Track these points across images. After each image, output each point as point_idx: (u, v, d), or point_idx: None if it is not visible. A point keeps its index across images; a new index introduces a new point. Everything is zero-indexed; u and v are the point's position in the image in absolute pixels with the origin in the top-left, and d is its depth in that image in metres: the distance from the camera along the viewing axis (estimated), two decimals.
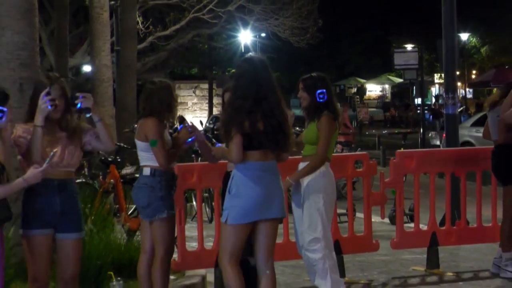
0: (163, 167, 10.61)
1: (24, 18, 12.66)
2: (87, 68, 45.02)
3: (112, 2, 29.97)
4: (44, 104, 8.97)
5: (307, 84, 11.33)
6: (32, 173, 8.75)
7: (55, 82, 9.33)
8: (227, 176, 10.77)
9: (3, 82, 12.55)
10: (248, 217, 9.62)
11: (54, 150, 8.95)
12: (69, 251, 9.36)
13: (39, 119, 9.11)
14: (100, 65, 28.96)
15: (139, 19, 37.73)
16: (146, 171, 10.77)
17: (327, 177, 11.03)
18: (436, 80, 70.27)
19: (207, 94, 59.83)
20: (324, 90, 11.10)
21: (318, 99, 11.05)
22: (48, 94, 9.05)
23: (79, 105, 9.33)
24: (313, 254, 11.03)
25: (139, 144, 10.87)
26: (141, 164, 10.89)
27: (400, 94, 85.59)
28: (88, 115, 9.44)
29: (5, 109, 8.82)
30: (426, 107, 47.93)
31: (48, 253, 9.33)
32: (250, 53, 10.53)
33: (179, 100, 57.04)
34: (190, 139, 10.58)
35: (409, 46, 51.60)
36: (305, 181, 11.00)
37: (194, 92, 59.42)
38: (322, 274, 11.00)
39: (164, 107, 10.85)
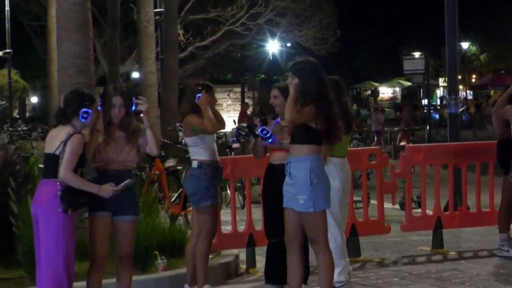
0: (210, 131, 10.72)
1: (80, 31, 12.67)
2: (135, 75, 45.06)
3: (157, 17, 29.91)
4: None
5: None
6: (107, 189, 8.97)
7: (118, 92, 9.38)
8: (270, 168, 10.82)
9: (62, 87, 12.64)
10: (329, 202, 9.62)
11: (126, 181, 9.16)
12: (126, 232, 9.43)
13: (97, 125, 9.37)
14: (147, 72, 29.05)
15: (180, 32, 37.74)
16: (194, 164, 10.83)
17: (344, 169, 10.96)
18: (441, 84, 69.89)
19: (240, 97, 59.76)
20: None
21: None
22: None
23: (133, 108, 9.45)
24: None
25: (187, 140, 11.09)
26: (191, 157, 10.97)
27: (409, 96, 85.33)
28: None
29: (90, 111, 9.07)
30: (431, 107, 47.57)
31: (107, 233, 9.39)
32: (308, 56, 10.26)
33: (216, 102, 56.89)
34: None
35: (416, 54, 51.29)
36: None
37: (228, 95, 59.27)
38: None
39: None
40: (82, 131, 9.04)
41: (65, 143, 8.86)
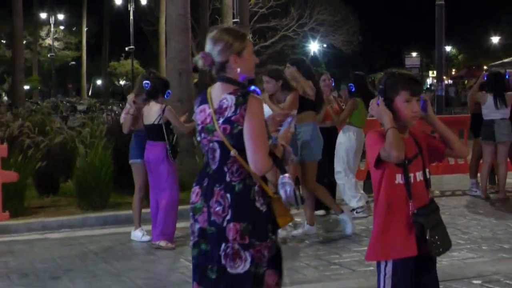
0: None
1: (182, 33, 12.77)
2: None
3: (234, 25, 29.92)
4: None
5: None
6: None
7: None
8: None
9: (170, 72, 12.75)
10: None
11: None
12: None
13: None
14: None
15: (250, 35, 37.58)
16: None
17: (359, 137, 10.60)
18: (430, 75, 69.26)
19: None
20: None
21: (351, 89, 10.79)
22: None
23: None
24: (338, 181, 10.88)
25: None
26: None
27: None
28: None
29: (170, 91, 9.10)
30: (423, 91, 47.15)
31: (145, 174, 9.10)
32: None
33: None
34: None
35: (414, 54, 51.01)
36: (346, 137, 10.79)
37: None
38: (344, 193, 10.86)
39: None
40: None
41: (161, 115, 8.81)
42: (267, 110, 7.51)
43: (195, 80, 26.73)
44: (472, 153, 12.55)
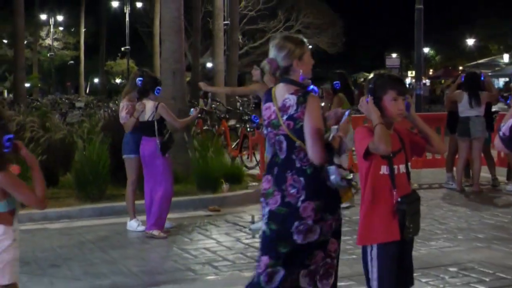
0: None
1: (176, 34, 12.70)
2: (209, 64, 44.93)
3: (225, 27, 29.92)
4: None
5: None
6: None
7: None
8: None
9: (165, 71, 12.68)
10: None
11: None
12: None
13: None
14: (218, 62, 29.08)
15: (240, 37, 37.58)
16: None
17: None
18: (409, 75, 69.34)
19: None
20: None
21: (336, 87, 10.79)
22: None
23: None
24: None
25: None
26: None
27: None
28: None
29: (160, 88, 9.05)
30: None
31: (138, 169, 9.12)
32: None
33: None
34: None
35: (394, 55, 51.08)
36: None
37: None
38: None
39: None
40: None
41: (155, 112, 8.80)
42: None
43: (188, 79, 26.68)
44: (449, 148, 12.61)
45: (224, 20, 30.21)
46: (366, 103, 4.34)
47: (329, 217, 4.56)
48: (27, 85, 42.98)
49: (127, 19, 47.77)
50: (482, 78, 12.45)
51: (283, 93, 4.64)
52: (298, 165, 4.56)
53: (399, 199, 4.24)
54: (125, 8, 50.31)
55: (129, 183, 9.27)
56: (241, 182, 12.12)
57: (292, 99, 4.58)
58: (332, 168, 4.47)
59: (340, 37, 50.67)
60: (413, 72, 45.10)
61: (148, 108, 8.86)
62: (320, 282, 4.67)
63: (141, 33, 51.59)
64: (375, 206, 4.31)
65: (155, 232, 8.82)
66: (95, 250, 8.27)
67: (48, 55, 61.25)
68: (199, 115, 18.47)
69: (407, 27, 24.79)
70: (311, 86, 4.67)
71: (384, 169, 4.28)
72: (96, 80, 70.18)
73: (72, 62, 66.13)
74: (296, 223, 4.50)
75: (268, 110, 4.70)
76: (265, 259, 4.60)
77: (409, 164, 4.43)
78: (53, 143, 11.94)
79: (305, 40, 4.83)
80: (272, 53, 4.72)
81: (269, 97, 4.72)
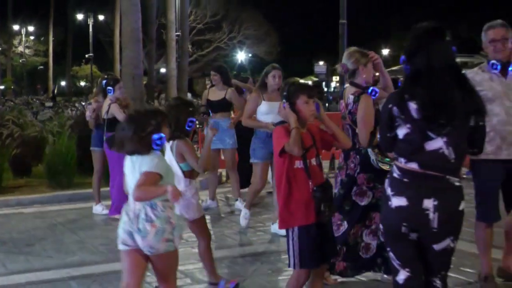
0: None
1: (135, 43, 12.63)
2: (163, 70, 44.65)
3: (177, 37, 29.76)
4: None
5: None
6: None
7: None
8: None
9: (125, 76, 12.56)
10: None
11: None
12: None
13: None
14: (170, 68, 28.95)
15: (190, 46, 37.44)
16: None
17: None
18: (334, 80, 70.20)
19: None
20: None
21: None
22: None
23: None
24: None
25: None
26: None
27: (317, 86, 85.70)
28: None
29: (113, 88, 8.74)
30: (329, 93, 47.56)
31: (102, 160, 8.99)
32: None
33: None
34: None
35: (321, 62, 51.70)
36: None
37: None
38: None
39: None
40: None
41: (108, 109, 8.68)
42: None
43: (145, 82, 26.51)
44: None
45: (175, 32, 30.03)
46: (283, 108, 4.37)
47: (379, 186, 5.13)
48: (1, 87, 42.17)
49: (90, 29, 47.41)
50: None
51: (348, 93, 5.36)
52: (357, 146, 5.28)
53: (314, 188, 4.26)
54: (88, 20, 50.11)
55: (95, 172, 9.19)
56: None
57: (351, 98, 5.31)
58: (370, 151, 5.17)
59: (276, 46, 51.13)
60: (338, 77, 45.86)
61: (105, 107, 8.79)
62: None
63: (103, 42, 50.95)
64: (292, 195, 4.31)
65: (117, 216, 8.71)
66: (65, 231, 8.19)
67: (21, 61, 60.15)
68: None
69: (333, 38, 25.00)
70: (371, 88, 5.28)
71: (298, 164, 4.30)
72: (63, 83, 69.09)
73: (41, 67, 64.97)
74: (354, 188, 5.30)
75: (341, 105, 5.56)
76: (337, 214, 5.29)
77: (320, 157, 4.46)
78: (27, 138, 11.76)
79: (368, 53, 5.49)
80: (344, 59, 5.50)
81: (342, 95, 5.53)
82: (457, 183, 3.60)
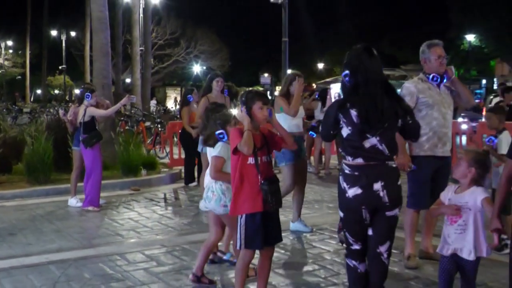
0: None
1: (104, 56, 12.44)
2: (128, 80, 44.11)
3: (141, 51, 29.56)
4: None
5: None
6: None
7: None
8: None
9: (96, 85, 12.28)
10: None
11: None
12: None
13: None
14: (135, 79, 28.71)
15: (152, 59, 36.98)
16: None
17: None
18: (277, 89, 70.29)
19: (180, 93, 59.53)
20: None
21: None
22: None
23: (134, 99, 8.74)
24: None
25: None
26: None
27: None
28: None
29: (90, 94, 8.62)
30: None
31: (80, 158, 8.78)
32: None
33: (168, 96, 56.90)
34: None
35: (266, 74, 51.99)
36: None
37: (174, 92, 59.00)
38: None
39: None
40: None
41: (84, 114, 8.58)
42: None
43: (113, 90, 26.14)
44: (307, 142, 12.92)
45: (139, 47, 29.80)
46: (241, 112, 4.42)
47: None
48: None
49: (63, 44, 46.48)
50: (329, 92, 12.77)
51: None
52: None
53: (262, 181, 4.29)
54: (62, 36, 49.25)
55: (74, 168, 9.07)
56: (155, 168, 12.01)
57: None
58: None
59: (227, 60, 51.35)
60: (280, 87, 46.29)
61: (81, 112, 8.68)
62: None
63: (74, 55, 50.07)
64: (243, 187, 4.34)
65: (90, 208, 8.69)
66: (43, 221, 8.03)
67: (0, 71, 58.67)
68: (122, 118, 18.13)
69: (276, 53, 25.18)
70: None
71: (250, 160, 4.33)
72: (39, 91, 67.57)
73: (19, 77, 63.45)
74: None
75: None
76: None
77: (271, 155, 4.50)
78: (7, 139, 11.50)
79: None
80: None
81: None
82: (393, 165, 4.00)
